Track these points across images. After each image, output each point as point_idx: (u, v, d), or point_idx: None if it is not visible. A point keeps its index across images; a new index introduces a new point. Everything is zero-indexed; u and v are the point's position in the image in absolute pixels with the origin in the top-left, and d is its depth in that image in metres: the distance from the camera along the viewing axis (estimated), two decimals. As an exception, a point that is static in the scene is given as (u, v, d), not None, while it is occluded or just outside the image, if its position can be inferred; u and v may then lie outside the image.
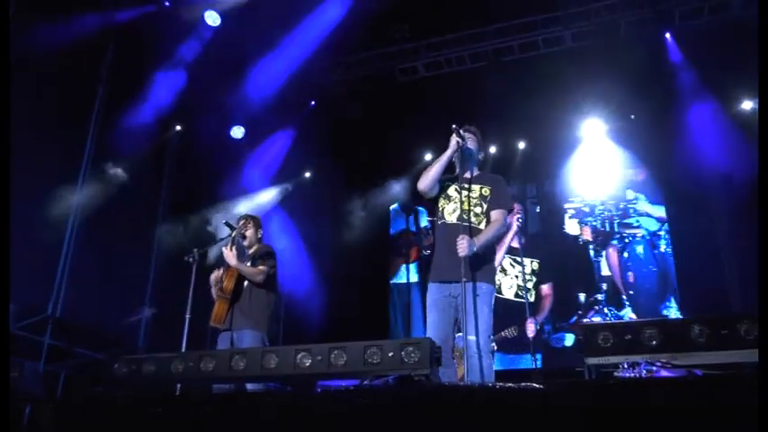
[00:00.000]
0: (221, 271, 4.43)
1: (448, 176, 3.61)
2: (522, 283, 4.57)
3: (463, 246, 3.22)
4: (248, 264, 4.45)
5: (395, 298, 7.05)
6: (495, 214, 3.51)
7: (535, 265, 4.77)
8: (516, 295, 4.60)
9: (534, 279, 4.70)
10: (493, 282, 3.45)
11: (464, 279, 3.14)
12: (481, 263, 3.36)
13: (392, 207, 7.47)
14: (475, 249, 3.29)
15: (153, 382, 3.02)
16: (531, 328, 4.29)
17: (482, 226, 3.48)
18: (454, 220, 3.41)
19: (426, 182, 3.50)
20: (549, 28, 6.57)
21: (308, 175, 8.02)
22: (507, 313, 4.36)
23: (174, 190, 7.22)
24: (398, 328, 6.73)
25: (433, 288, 3.46)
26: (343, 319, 6.94)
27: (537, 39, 6.66)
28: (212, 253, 4.65)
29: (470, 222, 3.44)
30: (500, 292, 4.62)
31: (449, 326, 3.30)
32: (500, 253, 4.38)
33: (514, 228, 4.44)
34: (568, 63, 6.44)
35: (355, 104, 7.24)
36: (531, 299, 4.54)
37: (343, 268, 7.33)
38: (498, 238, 3.54)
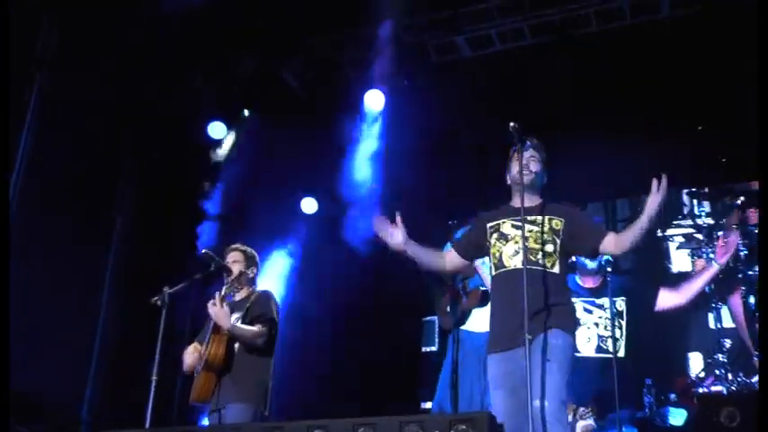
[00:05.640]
0: (203, 344, 4.53)
1: (502, 210, 3.81)
2: (606, 332, 4.62)
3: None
4: (238, 320, 4.53)
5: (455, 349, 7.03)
6: (612, 236, 3.69)
7: (621, 305, 4.82)
8: (599, 349, 4.63)
9: (624, 323, 4.74)
10: (571, 328, 3.58)
11: (528, 336, 3.26)
12: (554, 303, 3.50)
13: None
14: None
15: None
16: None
17: (556, 269, 3.62)
18: (518, 265, 3.53)
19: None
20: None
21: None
22: (588, 378, 4.45)
23: (133, 210, 7.35)
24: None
25: (494, 361, 3.59)
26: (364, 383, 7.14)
27: (623, 5, 6.75)
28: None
29: (541, 265, 3.58)
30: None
31: (524, 410, 3.30)
32: None
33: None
34: (664, 38, 6.58)
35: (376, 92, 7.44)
36: (621, 353, 4.57)
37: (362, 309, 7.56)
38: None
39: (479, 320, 6.54)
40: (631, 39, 6.83)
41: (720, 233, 6.75)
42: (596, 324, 4.63)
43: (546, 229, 3.67)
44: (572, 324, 3.67)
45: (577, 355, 4.54)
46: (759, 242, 5.66)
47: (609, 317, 4.75)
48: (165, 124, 7.49)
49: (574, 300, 4.47)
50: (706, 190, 6.97)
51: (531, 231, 3.64)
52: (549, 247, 3.65)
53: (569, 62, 6.86)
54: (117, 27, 6.67)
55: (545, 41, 7.01)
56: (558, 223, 3.70)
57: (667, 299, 5.16)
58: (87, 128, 6.78)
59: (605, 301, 4.73)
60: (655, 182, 3.45)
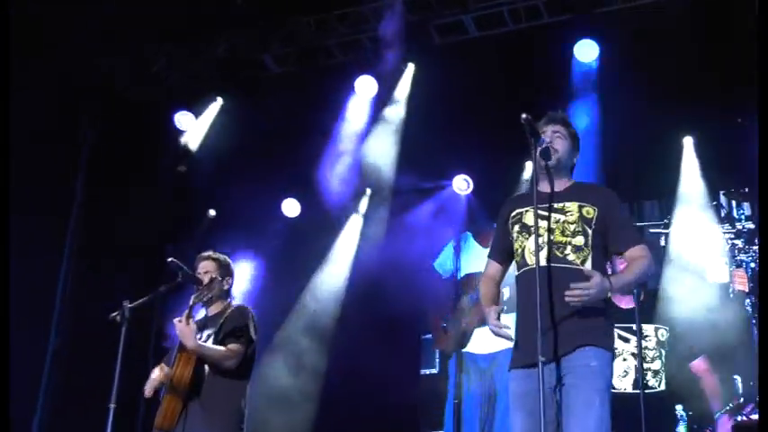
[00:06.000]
0: (169, 367, 4.43)
1: (527, 195, 3.62)
2: (645, 364, 4.58)
3: (579, 293, 3.18)
4: (210, 337, 4.45)
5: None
6: (637, 251, 3.49)
7: (662, 334, 4.69)
8: (638, 384, 4.50)
9: (663, 352, 4.63)
10: (608, 343, 3.42)
11: (542, 359, 3.07)
12: (586, 310, 3.31)
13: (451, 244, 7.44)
14: (608, 294, 3.29)
15: None
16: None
17: (587, 266, 3.42)
18: (542, 262, 3.33)
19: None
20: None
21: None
22: (626, 416, 4.25)
23: (90, 211, 7.20)
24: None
25: (514, 378, 3.45)
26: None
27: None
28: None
29: (569, 262, 3.40)
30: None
31: None
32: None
33: None
34: (698, 17, 6.40)
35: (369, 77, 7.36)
36: (661, 386, 4.48)
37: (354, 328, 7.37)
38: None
39: (482, 340, 6.37)
40: (659, 17, 6.69)
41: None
42: (634, 355, 4.44)
43: (575, 218, 3.49)
44: (609, 338, 3.48)
45: (613, 391, 4.41)
46: (759, 242, 5.62)
47: (649, 346, 4.65)
48: (129, 112, 7.42)
49: None
50: (746, 190, 6.80)
51: (557, 222, 3.48)
52: (579, 240, 3.46)
53: (590, 44, 6.81)
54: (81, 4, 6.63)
55: (562, 21, 6.93)
56: (590, 211, 3.51)
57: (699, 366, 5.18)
58: (41, 118, 6.65)
59: (645, 327, 4.60)
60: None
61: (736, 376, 6.26)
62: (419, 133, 7.45)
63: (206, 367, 4.40)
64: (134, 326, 4.56)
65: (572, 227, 3.47)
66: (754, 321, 6.39)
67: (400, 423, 7.35)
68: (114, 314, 4.52)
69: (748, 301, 6.46)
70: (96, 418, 4.49)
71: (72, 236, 7.01)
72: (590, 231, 3.46)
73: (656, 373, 4.68)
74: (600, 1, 6.79)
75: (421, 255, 7.60)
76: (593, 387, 3.25)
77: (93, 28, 6.82)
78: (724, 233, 6.79)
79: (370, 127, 7.67)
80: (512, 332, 3.46)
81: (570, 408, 3.22)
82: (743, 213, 6.82)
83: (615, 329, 4.58)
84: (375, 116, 7.66)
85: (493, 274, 3.81)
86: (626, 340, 4.57)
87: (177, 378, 4.29)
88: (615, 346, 4.69)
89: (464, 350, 6.42)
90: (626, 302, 4.58)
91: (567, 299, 3.20)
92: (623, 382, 4.69)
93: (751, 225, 6.72)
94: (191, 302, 4.38)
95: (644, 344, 4.80)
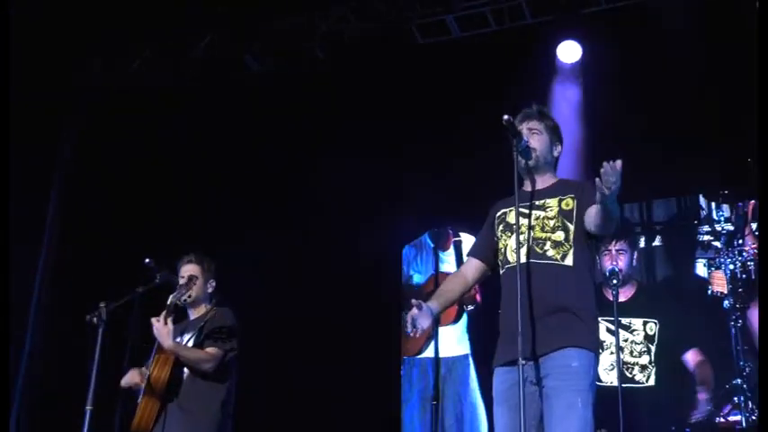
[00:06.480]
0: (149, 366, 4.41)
1: (513, 196, 3.60)
2: (631, 358, 4.63)
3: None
4: (190, 340, 4.46)
5: (413, 381, 6.88)
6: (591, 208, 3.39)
7: (651, 328, 4.78)
8: (624, 378, 4.57)
9: (653, 348, 4.76)
10: (591, 343, 3.40)
11: (521, 362, 3.07)
12: (566, 307, 3.35)
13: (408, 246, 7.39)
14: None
15: None
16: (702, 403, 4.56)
17: (568, 261, 3.43)
18: (522, 259, 3.38)
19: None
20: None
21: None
22: (607, 410, 4.26)
23: (68, 207, 7.15)
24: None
25: (498, 375, 3.47)
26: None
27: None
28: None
29: (548, 258, 3.43)
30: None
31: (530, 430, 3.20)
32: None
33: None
34: (684, 17, 6.38)
35: (351, 79, 7.25)
36: (649, 381, 4.66)
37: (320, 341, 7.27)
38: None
39: (446, 342, 6.34)
40: (645, 18, 6.66)
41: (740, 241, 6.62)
42: (621, 348, 4.48)
43: (554, 213, 3.53)
44: (593, 338, 3.47)
45: (598, 384, 4.43)
46: (759, 242, 5.76)
47: (636, 340, 4.76)
48: (110, 113, 7.35)
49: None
50: (726, 192, 6.84)
51: (537, 218, 3.53)
52: (559, 235, 3.49)
53: (574, 45, 6.80)
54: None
55: (545, 21, 6.89)
56: (569, 202, 3.53)
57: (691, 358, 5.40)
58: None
59: (633, 321, 4.77)
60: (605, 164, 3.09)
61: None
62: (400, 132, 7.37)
63: (185, 369, 4.42)
64: (111, 327, 4.50)
65: (551, 222, 3.50)
66: (731, 323, 6.44)
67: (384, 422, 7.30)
68: (91, 315, 4.47)
69: (726, 302, 6.47)
70: (73, 420, 4.44)
71: (49, 234, 6.96)
72: (571, 227, 3.48)
73: (643, 367, 4.76)
74: (584, 1, 6.76)
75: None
76: (573, 388, 3.25)
77: (71, 27, 6.75)
78: (703, 234, 6.85)
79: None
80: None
81: (552, 410, 3.24)
82: (722, 215, 6.85)
83: (602, 322, 4.60)
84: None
85: (465, 271, 3.82)
86: (614, 333, 4.59)
87: (155, 379, 4.32)
88: (603, 338, 4.69)
89: (422, 356, 6.42)
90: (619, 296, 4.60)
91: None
92: (610, 376, 4.76)
93: (730, 227, 6.75)
94: (169, 302, 4.41)
95: (631, 338, 4.85)
